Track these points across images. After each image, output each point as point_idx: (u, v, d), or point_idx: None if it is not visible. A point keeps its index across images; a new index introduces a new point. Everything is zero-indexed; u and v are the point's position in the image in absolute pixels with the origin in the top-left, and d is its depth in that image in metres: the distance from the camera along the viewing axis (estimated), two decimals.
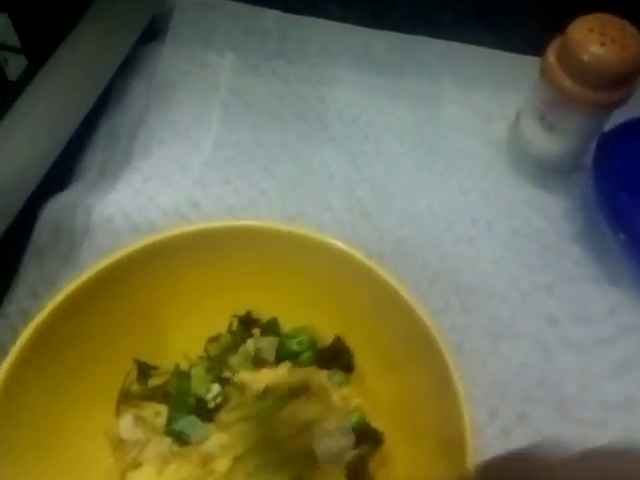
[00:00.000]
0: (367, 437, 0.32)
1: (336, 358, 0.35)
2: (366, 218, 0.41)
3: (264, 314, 0.36)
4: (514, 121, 0.45)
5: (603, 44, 0.37)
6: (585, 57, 0.37)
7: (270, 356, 0.34)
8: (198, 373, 0.33)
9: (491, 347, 0.37)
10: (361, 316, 0.34)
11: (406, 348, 0.33)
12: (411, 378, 0.33)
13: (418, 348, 0.32)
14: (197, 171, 0.43)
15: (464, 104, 0.48)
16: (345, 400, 0.33)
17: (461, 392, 0.29)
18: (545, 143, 0.43)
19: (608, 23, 0.38)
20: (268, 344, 0.34)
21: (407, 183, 0.43)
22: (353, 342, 0.35)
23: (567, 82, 0.39)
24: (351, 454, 0.31)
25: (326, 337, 0.35)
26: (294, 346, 0.34)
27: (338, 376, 0.34)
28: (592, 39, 0.37)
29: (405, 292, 0.32)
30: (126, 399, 0.32)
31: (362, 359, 0.35)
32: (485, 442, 0.33)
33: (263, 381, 0.32)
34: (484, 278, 0.39)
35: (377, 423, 0.33)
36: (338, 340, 0.35)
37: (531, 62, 0.45)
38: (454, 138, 0.46)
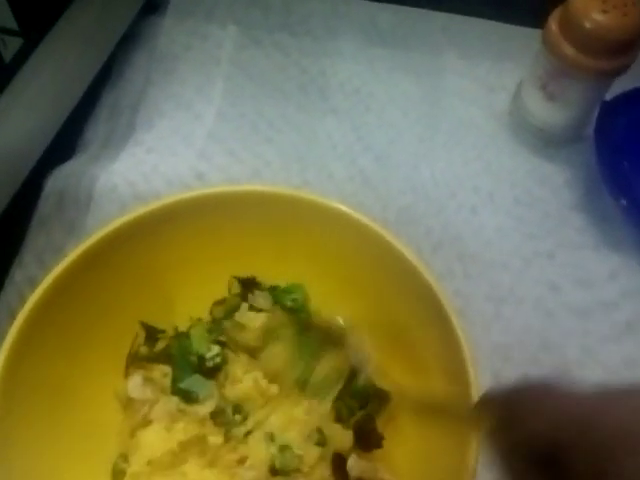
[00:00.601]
0: (374, 396, 0.32)
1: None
2: (369, 187, 0.42)
3: (266, 279, 0.36)
4: (515, 92, 0.45)
5: (605, 11, 0.37)
6: (587, 24, 0.37)
7: (265, 304, 0.34)
8: (197, 332, 0.33)
9: (494, 312, 0.38)
10: (365, 280, 0.35)
11: (411, 311, 0.33)
12: (416, 340, 0.33)
13: (424, 311, 0.32)
14: (200, 143, 0.43)
15: (466, 76, 0.48)
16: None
17: (467, 352, 0.30)
18: (547, 113, 0.43)
19: None
20: (262, 296, 0.35)
21: (410, 153, 0.44)
22: (356, 306, 0.35)
23: (569, 50, 0.39)
24: (359, 414, 0.31)
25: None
26: (289, 302, 0.35)
27: None
28: (594, 6, 0.37)
29: (411, 255, 0.32)
30: (134, 361, 0.33)
31: (366, 322, 0.35)
32: None
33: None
34: (486, 246, 0.40)
35: (383, 383, 0.33)
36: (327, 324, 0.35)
37: (532, 34, 0.45)
38: (457, 109, 0.46)
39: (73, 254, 0.30)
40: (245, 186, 0.34)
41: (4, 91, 0.39)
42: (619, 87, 0.42)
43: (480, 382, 0.29)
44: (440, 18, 0.51)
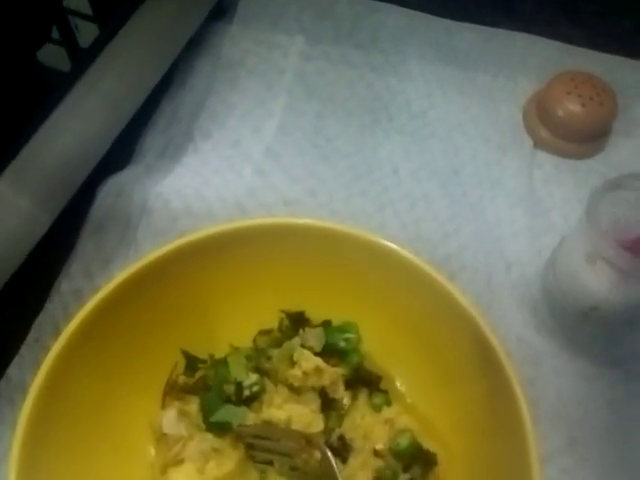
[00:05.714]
0: (419, 459, 0.30)
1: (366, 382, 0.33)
2: (431, 216, 0.39)
3: (315, 313, 0.34)
4: None
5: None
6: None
7: (317, 345, 0.32)
8: (235, 359, 0.32)
9: None
10: (417, 324, 0.32)
11: (466, 362, 0.31)
12: (470, 395, 0.31)
13: (477, 361, 0.30)
14: (257, 157, 0.41)
15: None
16: (390, 421, 0.31)
17: (524, 405, 0.27)
18: None
19: None
20: (315, 335, 0.33)
21: (474, 184, 0.41)
22: (405, 353, 0.33)
23: None
24: (403, 478, 0.29)
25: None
26: (342, 343, 0.33)
27: (377, 398, 0.32)
28: None
29: (466, 302, 0.30)
30: (172, 392, 0.32)
31: (414, 373, 0.33)
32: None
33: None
34: None
35: (429, 443, 0.31)
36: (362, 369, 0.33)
37: (620, 62, 0.42)
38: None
39: (122, 275, 0.30)
40: (289, 219, 0.32)
41: (65, 97, 0.38)
42: None
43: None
44: (519, 39, 0.47)
